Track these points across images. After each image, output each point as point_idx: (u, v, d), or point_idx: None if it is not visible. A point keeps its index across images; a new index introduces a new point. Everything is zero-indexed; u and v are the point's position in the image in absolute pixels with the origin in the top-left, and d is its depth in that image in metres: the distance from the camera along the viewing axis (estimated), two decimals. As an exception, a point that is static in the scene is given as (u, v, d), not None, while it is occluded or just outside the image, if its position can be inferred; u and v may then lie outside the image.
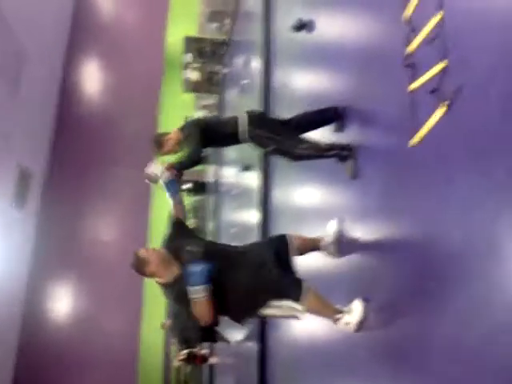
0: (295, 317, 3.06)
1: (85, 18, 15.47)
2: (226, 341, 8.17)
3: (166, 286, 2.96)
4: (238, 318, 3.03)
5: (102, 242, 14.05)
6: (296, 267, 3.17)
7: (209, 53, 13.87)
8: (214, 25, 14.07)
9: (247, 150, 8.12)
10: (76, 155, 14.21)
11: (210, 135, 3.50)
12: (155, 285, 3.04)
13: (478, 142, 1.98)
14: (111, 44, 15.54)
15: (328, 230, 3.41)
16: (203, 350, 10.36)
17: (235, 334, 7.74)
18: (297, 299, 2.85)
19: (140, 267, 2.93)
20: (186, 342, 8.81)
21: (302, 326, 4.11)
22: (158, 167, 3.35)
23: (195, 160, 3.45)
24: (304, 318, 3.05)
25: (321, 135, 3.65)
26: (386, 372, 2.68)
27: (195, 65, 14.03)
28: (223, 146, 3.93)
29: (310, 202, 4.50)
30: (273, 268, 2.96)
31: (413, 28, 2.57)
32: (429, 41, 2.36)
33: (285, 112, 5.35)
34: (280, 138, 3.39)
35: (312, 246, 3.37)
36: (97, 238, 14.11)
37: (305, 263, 3.48)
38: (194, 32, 15.00)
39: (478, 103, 1.99)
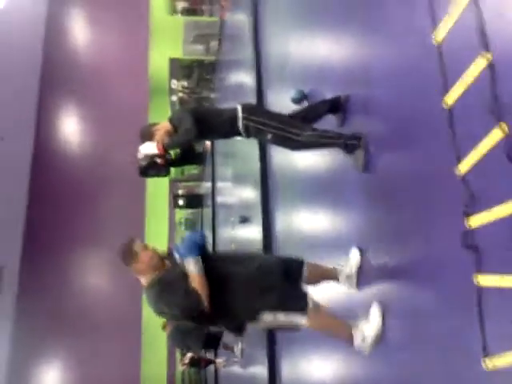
0: (296, 329, 2.77)
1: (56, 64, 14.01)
2: (230, 349, 8.09)
3: (148, 288, 2.72)
4: (236, 323, 2.77)
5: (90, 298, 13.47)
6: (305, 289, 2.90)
7: (196, 76, 13.37)
8: (200, 47, 13.59)
9: (242, 165, 7.65)
10: (52, 232, 13.36)
11: (205, 122, 3.23)
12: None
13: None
14: (90, 85, 14.48)
15: (349, 261, 3.07)
16: (207, 354, 10.21)
17: (239, 342, 7.55)
18: (300, 309, 2.67)
19: (127, 259, 2.74)
20: (188, 349, 8.92)
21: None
22: (147, 146, 3.16)
23: (188, 138, 3.23)
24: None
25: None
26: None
27: (181, 88, 13.51)
28: (219, 137, 3.70)
29: (319, 224, 4.14)
30: (278, 274, 2.80)
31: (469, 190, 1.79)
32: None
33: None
34: (279, 125, 3.13)
35: (328, 276, 3.12)
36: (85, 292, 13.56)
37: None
38: (179, 55, 14.43)
39: None
